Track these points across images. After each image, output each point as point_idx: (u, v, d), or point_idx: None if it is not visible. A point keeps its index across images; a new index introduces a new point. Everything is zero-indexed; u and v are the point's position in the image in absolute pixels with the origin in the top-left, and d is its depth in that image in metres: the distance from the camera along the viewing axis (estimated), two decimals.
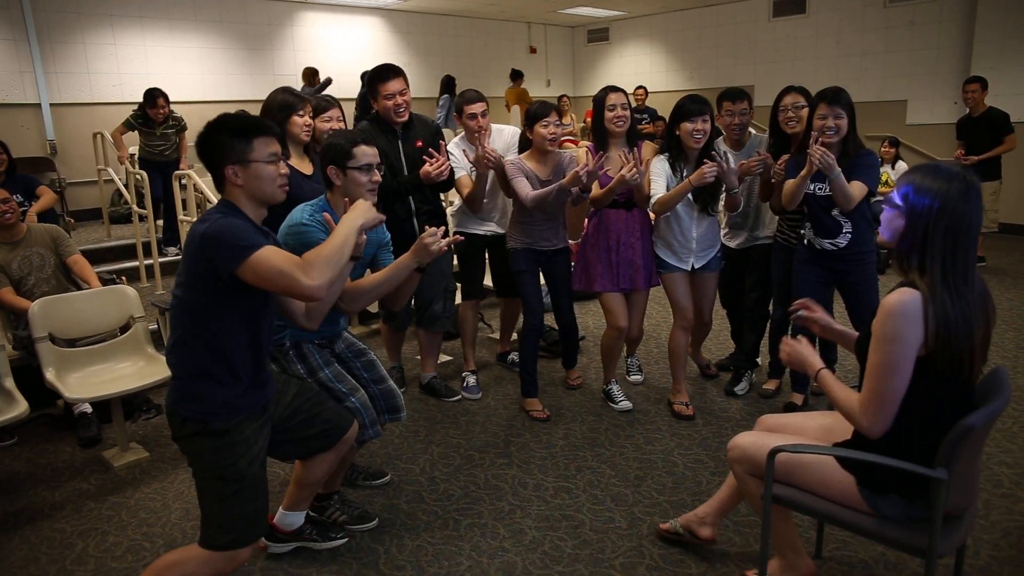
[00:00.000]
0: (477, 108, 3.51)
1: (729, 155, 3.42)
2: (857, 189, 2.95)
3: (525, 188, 3.33)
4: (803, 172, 2.99)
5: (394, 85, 3.30)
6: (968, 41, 8.05)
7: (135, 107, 5.98)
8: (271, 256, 1.80)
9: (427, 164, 3.19)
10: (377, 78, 3.32)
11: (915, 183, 1.76)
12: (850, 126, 2.99)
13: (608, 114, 3.32)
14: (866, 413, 1.79)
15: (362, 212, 2.00)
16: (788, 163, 3.20)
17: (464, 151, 3.53)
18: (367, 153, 2.40)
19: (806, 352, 2.03)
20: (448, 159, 3.27)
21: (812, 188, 3.10)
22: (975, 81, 6.13)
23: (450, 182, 3.45)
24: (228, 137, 1.91)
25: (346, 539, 2.57)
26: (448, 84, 9.34)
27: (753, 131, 3.66)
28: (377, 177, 2.44)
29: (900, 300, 1.71)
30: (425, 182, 3.25)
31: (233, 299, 1.88)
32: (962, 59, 8.17)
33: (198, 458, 1.96)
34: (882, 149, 6.88)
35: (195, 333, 1.90)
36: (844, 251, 3.12)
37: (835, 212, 3.07)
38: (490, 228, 3.76)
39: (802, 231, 3.26)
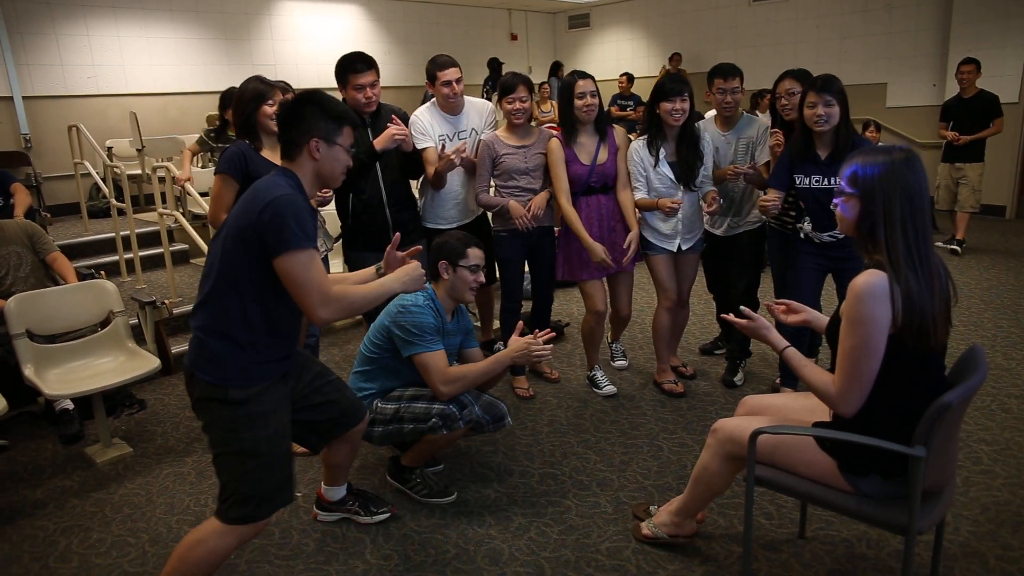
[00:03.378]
0: (451, 74, 3.42)
1: (708, 135, 3.44)
2: None
3: (482, 184, 3.46)
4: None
5: (365, 78, 3.19)
6: (946, 23, 8.10)
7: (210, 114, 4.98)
8: (311, 266, 1.84)
9: (392, 128, 3.18)
10: (349, 68, 3.19)
11: (860, 162, 1.82)
12: (843, 115, 2.90)
13: (577, 102, 3.31)
14: (841, 395, 1.81)
15: (405, 282, 2.10)
16: (780, 156, 3.16)
17: (432, 123, 3.46)
18: (477, 255, 2.70)
19: (761, 327, 2.05)
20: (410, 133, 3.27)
21: (809, 181, 3.02)
22: (970, 62, 6.13)
23: (419, 169, 3.42)
24: (322, 114, 1.96)
25: (389, 514, 2.64)
26: (494, 67, 9.43)
27: (749, 113, 3.60)
28: (482, 279, 2.72)
29: (868, 282, 1.74)
30: (383, 146, 3.17)
31: (273, 269, 1.86)
32: (940, 42, 8.22)
33: (215, 427, 1.94)
34: (867, 134, 6.92)
35: (225, 293, 1.89)
36: (845, 240, 3.01)
37: (834, 201, 3.01)
38: (456, 217, 3.63)
39: (799, 225, 3.17)
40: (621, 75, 9.82)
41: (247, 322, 1.90)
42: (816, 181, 3.01)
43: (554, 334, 2.61)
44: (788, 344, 2.03)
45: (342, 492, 2.61)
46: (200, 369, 1.91)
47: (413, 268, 2.15)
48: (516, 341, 2.65)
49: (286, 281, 1.84)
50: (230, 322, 1.90)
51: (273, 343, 1.96)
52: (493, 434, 3.21)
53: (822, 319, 2.14)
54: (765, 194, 3.15)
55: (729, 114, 3.46)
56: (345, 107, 2.05)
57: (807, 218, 3.11)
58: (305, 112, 1.96)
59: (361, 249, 3.40)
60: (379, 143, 3.19)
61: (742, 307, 2.13)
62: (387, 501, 2.70)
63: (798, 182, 3.06)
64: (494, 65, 10.08)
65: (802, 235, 3.15)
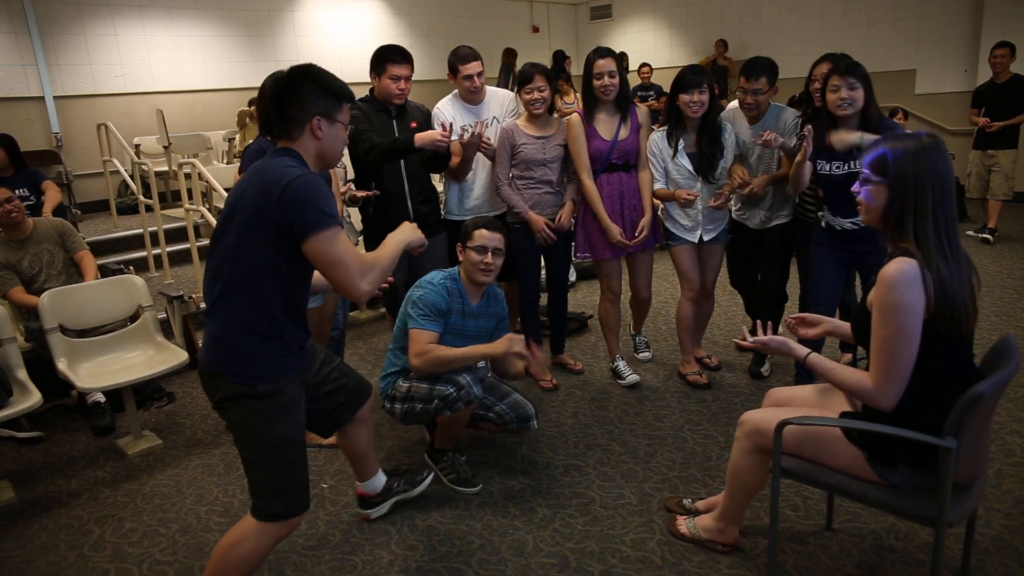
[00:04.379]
0: (473, 68, 3.41)
1: (733, 127, 3.38)
2: None
3: (502, 172, 3.44)
4: (797, 158, 2.93)
5: (402, 70, 3.27)
6: (978, 6, 7.90)
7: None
8: (343, 240, 1.79)
9: (437, 131, 3.18)
10: (387, 57, 3.27)
11: (888, 149, 1.77)
12: (867, 98, 2.83)
13: (595, 82, 3.29)
14: (880, 387, 1.77)
15: (407, 233, 2.08)
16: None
17: (454, 114, 3.46)
18: (484, 236, 2.74)
19: (776, 344, 2.03)
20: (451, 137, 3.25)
21: (829, 168, 2.95)
22: (1004, 46, 5.97)
23: (445, 161, 3.44)
24: (322, 90, 1.88)
25: (433, 474, 2.71)
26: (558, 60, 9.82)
27: (776, 103, 3.43)
28: (488, 259, 2.74)
29: (899, 270, 1.70)
30: (421, 144, 3.17)
31: (293, 255, 1.80)
32: (972, 25, 8.02)
33: (245, 425, 1.88)
34: (895, 120, 6.78)
35: (243, 286, 1.82)
36: (865, 229, 2.89)
37: (854, 188, 2.93)
38: (478, 209, 3.59)
39: (820, 213, 3.12)
40: (642, 66, 9.74)
41: (270, 313, 1.84)
42: (836, 167, 2.94)
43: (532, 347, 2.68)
44: (810, 351, 1.99)
45: (382, 480, 2.59)
46: (225, 369, 1.85)
47: (408, 224, 2.13)
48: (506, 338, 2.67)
49: (320, 262, 1.78)
50: (253, 316, 1.83)
51: (295, 332, 1.93)
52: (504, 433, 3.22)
53: (844, 326, 2.10)
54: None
55: (751, 114, 3.36)
56: (342, 83, 1.96)
57: (826, 206, 3.06)
58: (304, 88, 1.85)
59: (382, 241, 3.43)
60: (420, 140, 3.17)
61: (754, 339, 2.11)
62: (424, 466, 2.77)
63: (818, 168, 2.99)
64: (558, 58, 10.33)
65: (823, 224, 3.09)
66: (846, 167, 2.92)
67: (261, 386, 1.85)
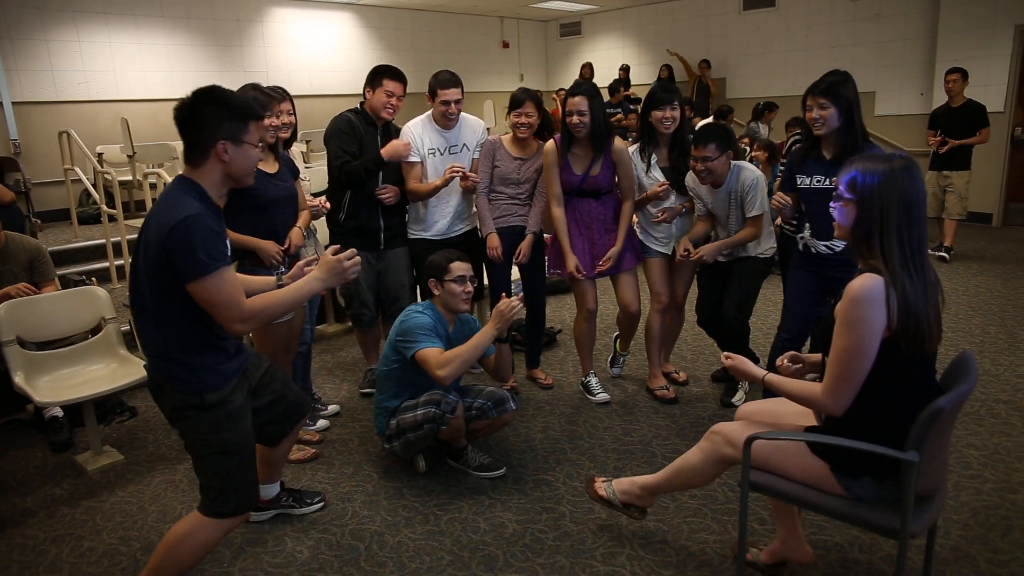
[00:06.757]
0: (451, 95, 3.40)
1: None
2: None
3: (483, 179, 3.51)
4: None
5: (397, 87, 3.38)
6: (933, 33, 8.20)
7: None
8: (222, 287, 1.83)
9: (401, 142, 3.39)
10: (385, 73, 3.40)
11: (860, 169, 1.83)
12: (844, 118, 2.79)
13: (568, 119, 3.28)
14: (829, 394, 1.83)
15: (324, 278, 2.03)
16: (788, 161, 3.10)
17: (423, 136, 3.49)
18: (461, 267, 2.87)
19: (739, 363, 2.12)
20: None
21: (811, 181, 2.93)
22: (956, 71, 6.21)
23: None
24: (225, 113, 1.87)
25: (323, 504, 2.76)
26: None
27: (736, 163, 3.28)
28: (470, 288, 2.87)
29: (864, 285, 1.76)
30: (389, 158, 3.36)
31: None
32: (927, 51, 8.32)
33: (196, 434, 1.99)
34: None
35: (168, 311, 1.90)
36: (841, 255, 2.91)
37: (831, 204, 2.87)
38: (440, 230, 3.57)
39: (800, 236, 3.06)
40: (619, 85, 9.94)
41: (201, 332, 1.94)
42: (818, 181, 2.92)
43: (521, 295, 2.76)
44: (767, 372, 2.06)
45: (276, 489, 2.68)
46: (171, 377, 1.94)
47: (333, 261, 2.03)
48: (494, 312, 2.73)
49: (201, 303, 1.85)
50: (187, 337, 1.93)
51: (228, 339, 2.04)
52: (487, 440, 3.22)
53: (813, 358, 2.17)
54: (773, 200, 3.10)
55: (706, 181, 3.24)
56: (248, 101, 1.96)
57: (807, 224, 3.03)
58: (207, 113, 1.86)
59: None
60: (385, 153, 3.36)
61: (724, 353, 2.19)
62: (318, 492, 2.82)
63: (799, 182, 2.98)
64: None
65: (800, 246, 3.08)
66: (828, 181, 2.87)
67: (208, 396, 1.95)
